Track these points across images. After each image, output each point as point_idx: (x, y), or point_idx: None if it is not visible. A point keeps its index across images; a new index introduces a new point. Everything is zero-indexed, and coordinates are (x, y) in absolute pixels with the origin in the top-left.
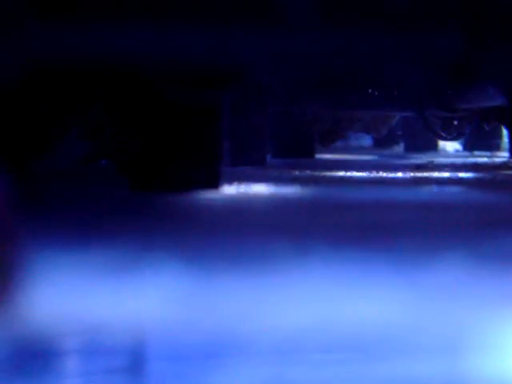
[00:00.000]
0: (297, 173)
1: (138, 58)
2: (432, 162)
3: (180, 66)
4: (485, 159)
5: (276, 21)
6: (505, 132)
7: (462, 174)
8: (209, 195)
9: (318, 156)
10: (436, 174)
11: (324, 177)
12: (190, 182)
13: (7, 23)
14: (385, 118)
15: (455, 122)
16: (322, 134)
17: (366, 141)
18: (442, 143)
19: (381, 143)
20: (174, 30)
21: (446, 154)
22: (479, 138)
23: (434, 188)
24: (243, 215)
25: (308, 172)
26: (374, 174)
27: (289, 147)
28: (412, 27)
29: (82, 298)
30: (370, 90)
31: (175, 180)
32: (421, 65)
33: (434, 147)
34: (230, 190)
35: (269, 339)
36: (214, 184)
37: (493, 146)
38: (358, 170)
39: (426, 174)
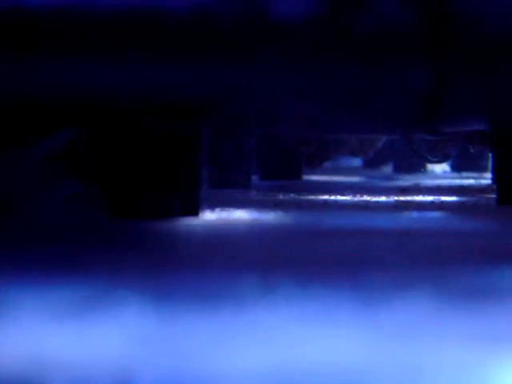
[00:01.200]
0: (281, 196)
1: (113, 91)
2: (418, 185)
3: (155, 98)
4: (471, 181)
5: (250, 55)
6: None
7: (445, 198)
8: (188, 222)
9: (306, 177)
10: (419, 198)
11: (308, 201)
12: (169, 209)
13: None
14: (371, 141)
15: (441, 145)
16: (308, 157)
17: (356, 161)
18: (430, 164)
19: (370, 164)
20: (149, 64)
21: (434, 176)
22: (467, 159)
23: (415, 214)
24: (219, 246)
25: (292, 195)
26: (357, 198)
27: (276, 169)
28: (383, 62)
29: (38, 338)
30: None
31: (155, 207)
32: (395, 97)
33: (422, 168)
34: (210, 216)
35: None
36: (194, 211)
37: (480, 167)
38: (342, 194)
39: (409, 198)
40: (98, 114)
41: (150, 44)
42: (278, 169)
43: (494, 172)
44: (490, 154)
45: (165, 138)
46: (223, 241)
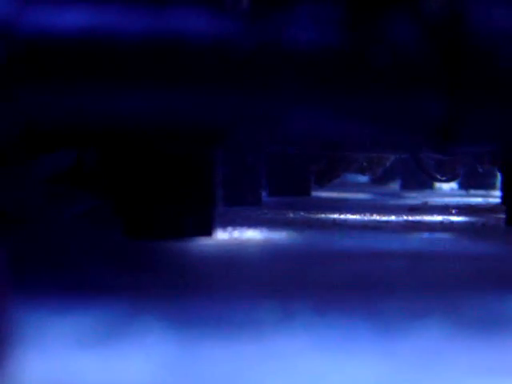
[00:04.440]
0: (291, 215)
1: (129, 118)
2: (426, 203)
3: (170, 125)
4: (479, 199)
5: (264, 85)
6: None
7: (454, 218)
8: (202, 242)
9: (315, 194)
10: (428, 218)
11: (317, 220)
12: (184, 229)
13: None
14: (379, 159)
15: (449, 164)
16: (317, 175)
17: (363, 177)
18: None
19: (377, 180)
20: (166, 96)
21: (442, 193)
22: (474, 176)
23: (425, 235)
24: (234, 269)
25: (302, 214)
26: (367, 217)
27: (285, 186)
28: (395, 94)
29: (62, 365)
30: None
31: (169, 227)
32: (407, 127)
33: (429, 185)
34: (223, 236)
35: None
36: (208, 231)
37: (488, 184)
38: (351, 212)
39: (418, 218)
40: (112, 137)
41: (165, 72)
42: (287, 185)
43: (503, 192)
44: (499, 173)
45: (181, 161)
46: (237, 263)
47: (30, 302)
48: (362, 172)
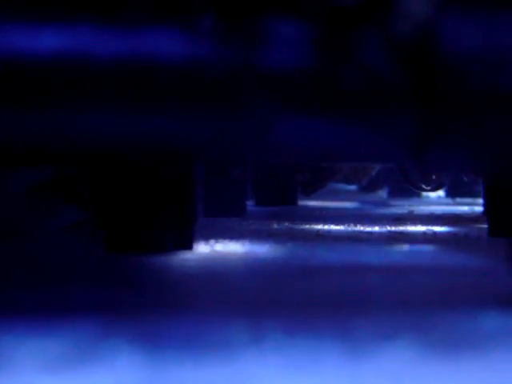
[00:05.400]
0: (275, 226)
1: (106, 138)
2: (412, 212)
3: (146, 146)
4: (465, 208)
5: (240, 105)
6: None
7: (437, 228)
8: (182, 257)
9: (301, 203)
10: (412, 228)
11: (301, 231)
12: (164, 244)
13: None
14: (365, 169)
15: (434, 175)
16: (303, 184)
17: (350, 185)
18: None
19: (365, 188)
20: (144, 113)
21: (428, 201)
22: (461, 185)
23: (407, 247)
24: (211, 285)
25: (286, 224)
26: (351, 228)
27: (271, 195)
28: (367, 113)
29: None
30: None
31: (149, 241)
32: (383, 144)
33: (417, 193)
34: (204, 249)
35: None
36: (189, 245)
37: (474, 192)
38: (336, 223)
39: (402, 228)
40: (90, 156)
41: (139, 93)
42: (273, 195)
43: (485, 203)
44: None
45: (159, 175)
46: (216, 278)
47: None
48: (348, 181)
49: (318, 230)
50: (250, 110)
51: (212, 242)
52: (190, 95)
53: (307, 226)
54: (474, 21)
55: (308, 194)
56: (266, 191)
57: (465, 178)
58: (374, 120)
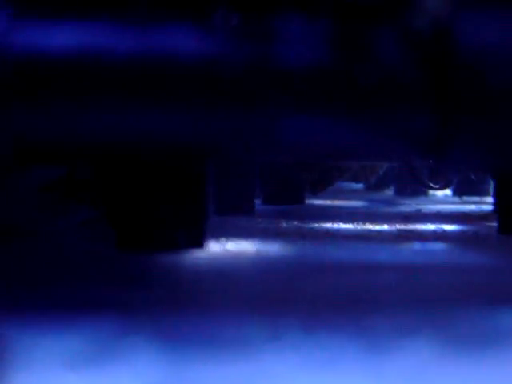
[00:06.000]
0: (284, 224)
1: (121, 136)
2: (420, 211)
3: (161, 143)
4: (472, 206)
5: (254, 103)
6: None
7: (446, 227)
8: (194, 255)
9: (309, 201)
10: (421, 227)
11: (311, 229)
12: (176, 242)
13: None
14: (373, 167)
15: (442, 172)
16: (311, 183)
17: (358, 183)
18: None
19: (372, 187)
20: (155, 114)
21: (435, 200)
22: (468, 183)
23: (417, 245)
24: (224, 283)
25: (295, 223)
26: (360, 226)
27: (279, 194)
28: (384, 111)
29: None
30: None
31: (161, 239)
32: (398, 143)
33: (423, 192)
34: (215, 247)
35: None
36: (200, 243)
37: (481, 190)
38: (344, 221)
39: (411, 227)
40: (104, 152)
41: (155, 91)
42: (280, 193)
43: (495, 200)
44: (492, 181)
45: (171, 172)
46: (228, 276)
47: (16, 320)
48: (356, 180)
49: (328, 229)
50: (264, 107)
51: (223, 240)
52: (204, 92)
53: (316, 225)
54: (492, 17)
55: (316, 193)
56: (274, 190)
57: (472, 177)
58: (391, 119)
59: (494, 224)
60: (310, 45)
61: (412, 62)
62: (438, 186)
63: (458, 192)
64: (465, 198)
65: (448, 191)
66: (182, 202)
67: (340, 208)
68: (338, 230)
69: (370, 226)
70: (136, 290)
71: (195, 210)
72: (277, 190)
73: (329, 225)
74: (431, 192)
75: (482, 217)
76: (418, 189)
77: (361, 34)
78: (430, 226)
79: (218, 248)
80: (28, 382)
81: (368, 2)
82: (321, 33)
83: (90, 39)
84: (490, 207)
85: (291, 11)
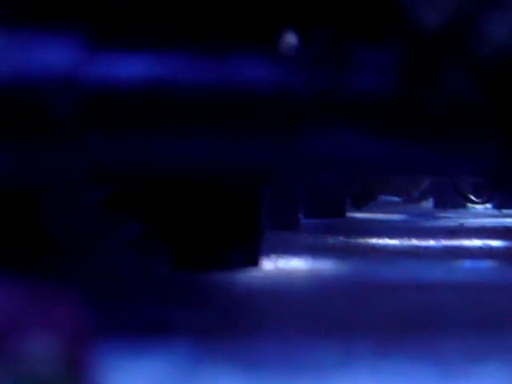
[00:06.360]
0: (331, 240)
1: (185, 163)
2: (462, 225)
3: (225, 169)
4: None
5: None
6: None
7: (492, 242)
8: (250, 274)
9: (350, 214)
10: (467, 243)
11: (357, 245)
12: (232, 261)
13: (72, 132)
14: (415, 182)
15: (484, 186)
16: (354, 197)
17: (400, 198)
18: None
19: (410, 199)
20: (221, 142)
21: (475, 213)
22: (507, 196)
23: (466, 262)
24: (285, 303)
25: (341, 238)
26: (405, 242)
27: (321, 208)
28: (451, 138)
29: None
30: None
31: (218, 259)
32: (461, 169)
33: (463, 204)
34: (269, 266)
35: None
36: (255, 262)
37: None
38: (389, 236)
39: (457, 243)
40: (167, 179)
41: (221, 120)
42: (323, 207)
43: None
44: None
45: (227, 192)
46: (286, 298)
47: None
48: (398, 194)
49: (374, 245)
50: (335, 133)
51: (273, 257)
52: (272, 121)
53: (362, 240)
54: None
55: (359, 207)
56: (317, 204)
57: None
58: (456, 141)
59: None
60: (379, 74)
61: (477, 89)
62: (480, 201)
63: (498, 205)
64: (504, 212)
65: (488, 204)
66: (237, 221)
67: (382, 222)
68: (385, 247)
69: (415, 242)
70: (198, 311)
71: (250, 229)
72: (319, 204)
73: (374, 240)
74: (470, 204)
75: None
76: (457, 202)
77: (428, 62)
78: (476, 242)
79: (271, 266)
80: None
81: (435, 32)
82: (390, 62)
83: (163, 69)
84: None
85: (361, 41)
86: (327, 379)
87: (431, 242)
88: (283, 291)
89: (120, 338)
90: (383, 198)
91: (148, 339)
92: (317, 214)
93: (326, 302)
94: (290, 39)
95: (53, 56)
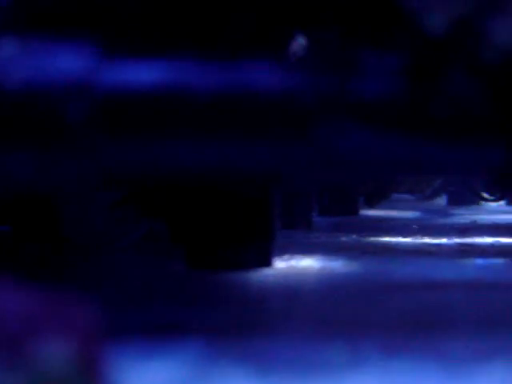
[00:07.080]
0: (343, 238)
1: (199, 167)
2: (475, 222)
3: (237, 172)
4: None
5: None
6: None
7: (505, 240)
8: (263, 273)
9: (362, 212)
10: (479, 240)
11: (370, 244)
12: (246, 260)
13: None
14: (428, 180)
15: (498, 185)
16: (367, 196)
17: (413, 196)
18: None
19: (423, 196)
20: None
21: (489, 210)
22: None
23: (479, 261)
24: (298, 303)
25: (354, 237)
26: (418, 240)
27: (334, 206)
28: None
29: None
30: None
31: (231, 259)
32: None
33: (475, 201)
34: (281, 265)
35: None
36: (268, 261)
37: None
38: (401, 234)
39: (469, 240)
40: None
41: (231, 124)
42: (335, 205)
43: None
44: None
45: (243, 199)
46: (300, 296)
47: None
48: (411, 192)
49: (386, 243)
50: (341, 137)
51: (286, 256)
52: (279, 124)
53: (374, 239)
54: None
55: (372, 206)
56: (329, 202)
57: None
58: (468, 141)
59: None
60: (386, 78)
61: (482, 94)
62: (493, 198)
63: (511, 201)
64: None
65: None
66: (250, 221)
67: (394, 219)
68: (397, 244)
69: (428, 240)
70: (212, 310)
71: (263, 229)
72: (332, 202)
73: (387, 238)
74: (483, 202)
75: None
76: (470, 199)
77: (434, 67)
78: (489, 240)
79: (284, 265)
80: None
81: (441, 37)
82: (396, 66)
83: (174, 75)
84: None
85: (368, 46)
86: (339, 378)
87: (444, 240)
88: (295, 290)
89: (134, 338)
90: (396, 195)
91: (162, 339)
92: (330, 212)
93: (338, 301)
94: (299, 43)
95: (68, 63)
